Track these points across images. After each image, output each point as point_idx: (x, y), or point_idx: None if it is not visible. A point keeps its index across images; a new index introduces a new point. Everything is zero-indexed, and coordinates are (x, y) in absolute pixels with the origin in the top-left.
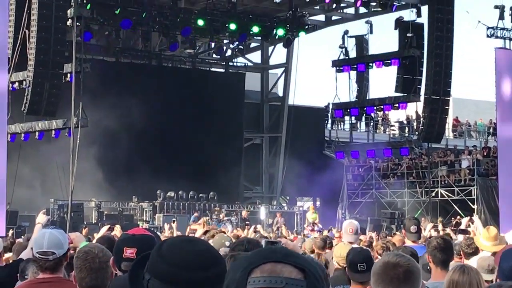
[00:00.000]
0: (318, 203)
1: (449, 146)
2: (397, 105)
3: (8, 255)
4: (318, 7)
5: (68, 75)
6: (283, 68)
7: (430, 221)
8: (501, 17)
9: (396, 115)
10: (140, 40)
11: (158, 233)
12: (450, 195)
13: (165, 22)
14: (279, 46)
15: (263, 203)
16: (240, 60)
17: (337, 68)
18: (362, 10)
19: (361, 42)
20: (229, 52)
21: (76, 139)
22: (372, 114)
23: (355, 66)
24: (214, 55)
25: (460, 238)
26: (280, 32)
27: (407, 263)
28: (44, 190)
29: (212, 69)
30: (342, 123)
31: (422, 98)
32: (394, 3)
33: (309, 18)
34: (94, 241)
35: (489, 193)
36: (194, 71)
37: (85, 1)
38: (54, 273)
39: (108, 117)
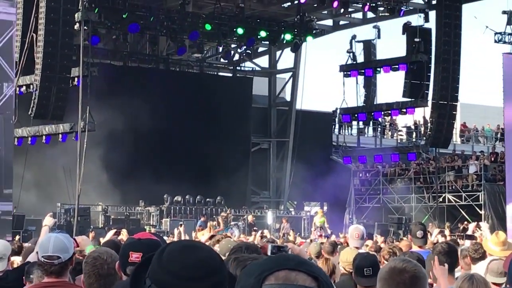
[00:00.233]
0: (325, 208)
1: (456, 151)
2: (404, 110)
3: (12, 258)
4: (326, 12)
5: (76, 79)
6: (290, 73)
7: (437, 227)
8: (509, 22)
9: (403, 120)
10: (148, 44)
11: (165, 238)
12: (458, 200)
13: (172, 26)
14: (287, 50)
15: (270, 208)
16: (247, 65)
17: (345, 73)
18: (370, 15)
19: (368, 47)
20: (236, 57)
21: (83, 143)
22: (380, 119)
23: (363, 71)
24: (222, 60)
25: (467, 243)
26: (288, 36)
27: (413, 268)
28: (51, 194)
29: (220, 74)
30: (349, 128)
31: (429, 103)
32: (402, 8)
33: (317, 22)
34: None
35: (496, 199)
36: (201, 75)
37: (92, 5)
38: (59, 277)
39: (115, 121)
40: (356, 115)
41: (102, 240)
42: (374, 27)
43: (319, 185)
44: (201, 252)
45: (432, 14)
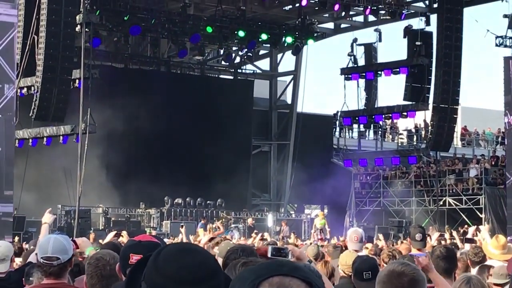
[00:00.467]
0: (325, 211)
1: (457, 155)
2: (405, 113)
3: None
4: (327, 15)
5: (77, 81)
6: (291, 76)
7: (438, 230)
8: (510, 26)
9: (404, 124)
10: (149, 46)
11: (166, 240)
12: (458, 204)
13: (174, 28)
14: (288, 53)
15: (271, 211)
16: (248, 67)
17: (346, 76)
18: (371, 18)
19: (369, 50)
20: (237, 59)
21: (84, 145)
22: (381, 122)
23: (364, 74)
24: (223, 62)
25: (467, 247)
26: (289, 39)
27: (412, 272)
28: (51, 195)
29: (221, 76)
30: (350, 131)
31: (430, 106)
32: (403, 12)
33: (318, 25)
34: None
35: (497, 202)
36: (202, 78)
37: (94, 7)
38: (58, 278)
39: (116, 123)
40: (357, 118)
41: (103, 242)
42: (375, 30)
43: (320, 188)
44: (197, 255)
45: (433, 18)
